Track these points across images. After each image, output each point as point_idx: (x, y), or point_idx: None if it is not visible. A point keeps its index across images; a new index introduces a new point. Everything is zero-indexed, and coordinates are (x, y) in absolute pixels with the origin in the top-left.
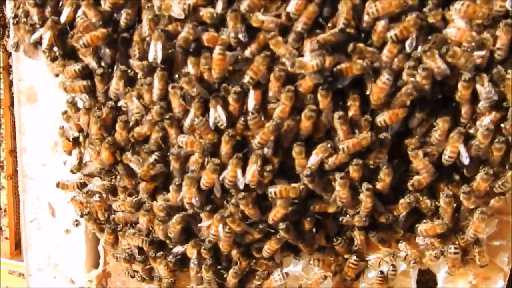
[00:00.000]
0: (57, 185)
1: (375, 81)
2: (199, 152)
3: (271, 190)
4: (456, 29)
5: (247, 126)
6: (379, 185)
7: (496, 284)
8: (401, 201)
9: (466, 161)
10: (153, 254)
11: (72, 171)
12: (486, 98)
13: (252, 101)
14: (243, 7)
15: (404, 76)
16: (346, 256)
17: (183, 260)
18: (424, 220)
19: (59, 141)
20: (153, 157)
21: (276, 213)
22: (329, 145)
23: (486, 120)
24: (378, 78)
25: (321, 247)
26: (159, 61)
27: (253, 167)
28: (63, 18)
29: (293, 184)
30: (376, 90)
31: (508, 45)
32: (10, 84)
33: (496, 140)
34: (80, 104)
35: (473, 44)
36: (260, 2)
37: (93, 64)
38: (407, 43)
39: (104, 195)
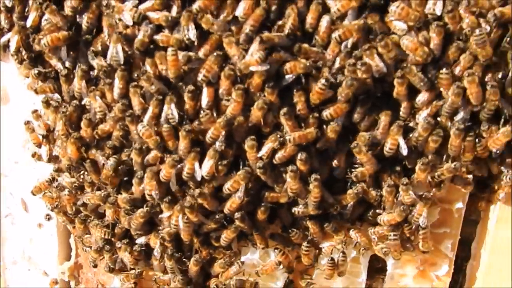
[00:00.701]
0: (32, 193)
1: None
2: (154, 148)
3: (226, 187)
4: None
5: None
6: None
7: (441, 269)
8: (349, 191)
9: (404, 152)
10: (118, 244)
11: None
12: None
13: (205, 98)
14: (195, 7)
15: (346, 73)
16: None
17: (148, 251)
18: (387, 212)
19: (30, 139)
20: (111, 160)
21: (231, 204)
22: (278, 136)
23: (423, 114)
24: (316, 82)
25: (273, 236)
26: (121, 62)
27: (210, 162)
28: (29, 23)
29: (239, 172)
30: (315, 92)
31: (441, 44)
32: None
33: (434, 133)
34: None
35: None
36: (211, 3)
37: (58, 65)
38: (345, 43)
39: (73, 191)
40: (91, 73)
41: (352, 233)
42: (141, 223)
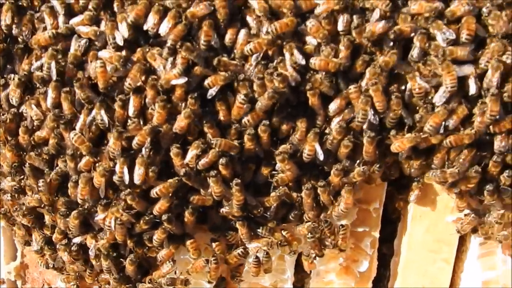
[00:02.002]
0: None
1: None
2: (86, 153)
3: (153, 191)
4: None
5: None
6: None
7: (362, 265)
8: (272, 194)
9: (321, 157)
10: (58, 245)
11: None
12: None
13: (131, 107)
14: (130, 19)
15: (266, 82)
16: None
17: (86, 251)
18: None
19: None
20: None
21: (160, 206)
22: (201, 142)
23: (336, 120)
24: (236, 97)
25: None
26: (54, 78)
27: (140, 168)
28: None
29: (169, 180)
30: (235, 107)
31: (349, 56)
32: None
33: (346, 138)
34: None
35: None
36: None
37: None
38: (255, 56)
39: (14, 195)
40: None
41: (279, 234)
42: (78, 225)
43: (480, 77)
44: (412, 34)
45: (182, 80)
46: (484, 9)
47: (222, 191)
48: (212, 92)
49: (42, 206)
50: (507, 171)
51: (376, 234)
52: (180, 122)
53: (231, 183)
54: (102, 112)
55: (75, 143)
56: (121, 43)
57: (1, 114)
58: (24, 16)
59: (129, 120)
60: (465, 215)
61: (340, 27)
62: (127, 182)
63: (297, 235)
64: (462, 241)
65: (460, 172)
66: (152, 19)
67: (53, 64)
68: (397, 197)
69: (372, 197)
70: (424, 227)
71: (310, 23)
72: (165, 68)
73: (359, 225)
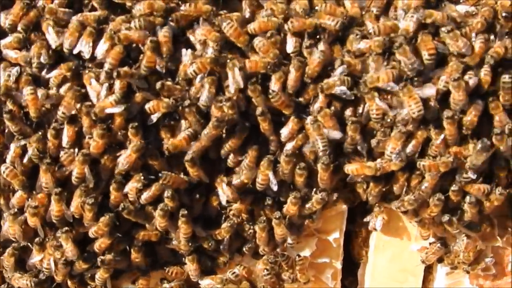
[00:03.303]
0: None
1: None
2: (19, 188)
3: (91, 231)
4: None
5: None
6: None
7: None
8: (223, 225)
9: (274, 187)
10: None
11: None
12: None
13: (65, 137)
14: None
15: (213, 109)
16: None
17: None
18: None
19: None
20: None
21: (100, 244)
22: (142, 176)
23: (288, 147)
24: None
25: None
26: None
27: (76, 201)
28: None
29: (103, 218)
30: (181, 139)
31: (298, 79)
32: None
33: (297, 167)
34: None
35: None
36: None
37: None
38: (198, 77)
39: None
40: None
41: (237, 269)
42: (13, 264)
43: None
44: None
45: (118, 109)
46: (443, 28)
47: (167, 224)
48: (153, 118)
49: None
50: (468, 197)
51: (338, 265)
52: (128, 157)
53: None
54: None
55: (6, 177)
56: (45, 61)
57: None
58: None
59: (62, 151)
60: (430, 243)
61: (289, 49)
62: (70, 220)
63: (254, 270)
64: (429, 270)
65: (417, 199)
66: (85, 42)
67: None
68: (359, 223)
69: (332, 227)
70: (388, 257)
71: (260, 42)
72: (100, 95)
73: (319, 256)
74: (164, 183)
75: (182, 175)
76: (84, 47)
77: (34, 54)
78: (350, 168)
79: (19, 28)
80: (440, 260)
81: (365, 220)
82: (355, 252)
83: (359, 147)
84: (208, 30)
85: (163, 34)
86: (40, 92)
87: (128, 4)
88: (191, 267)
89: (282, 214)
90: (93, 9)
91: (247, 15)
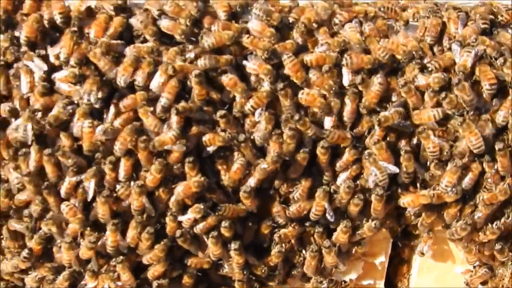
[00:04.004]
0: None
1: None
2: (78, 226)
3: (146, 257)
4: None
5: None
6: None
7: None
8: (273, 251)
9: (331, 218)
10: None
11: None
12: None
13: (122, 171)
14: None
15: (271, 143)
16: None
17: None
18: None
19: None
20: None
21: (154, 271)
22: (202, 207)
23: (342, 177)
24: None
25: None
26: (29, 142)
27: (133, 232)
28: None
29: (158, 245)
30: (235, 171)
31: (355, 111)
32: None
33: (355, 197)
34: None
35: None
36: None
37: None
38: (257, 112)
39: None
40: None
41: None
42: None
43: None
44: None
45: (179, 148)
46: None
47: (220, 252)
48: (209, 151)
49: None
50: None
51: (382, 286)
52: (186, 190)
53: (229, 245)
54: (92, 183)
55: (66, 215)
56: (94, 101)
57: None
58: None
59: (118, 185)
60: (475, 267)
61: (346, 82)
62: (124, 250)
63: None
64: None
65: (469, 226)
66: (141, 71)
67: (29, 126)
68: (404, 243)
69: (377, 250)
70: (432, 279)
71: (314, 75)
72: (158, 128)
73: (364, 278)
74: (224, 215)
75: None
76: (139, 77)
77: (86, 90)
78: (406, 200)
79: (71, 63)
80: (484, 283)
81: (414, 244)
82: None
83: (419, 175)
84: (260, 64)
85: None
86: (99, 126)
87: (177, 37)
88: None
89: (331, 242)
90: (144, 40)
91: (299, 43)
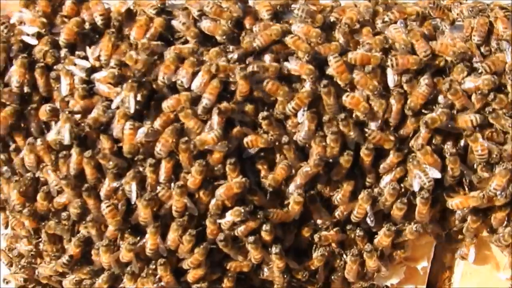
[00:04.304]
0: None
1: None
2: (114, 228)
3: (186, 262)
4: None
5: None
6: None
7: None
8: (315, 255)
9: (371, 223)
10: None
11: None
12: None
13: (162, 173)
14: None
15: (313, 146)
16: None
17: None
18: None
19: None
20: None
21: (194, 274)
22: (242, 211)
23: (386, 180)
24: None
25: None
26: (67, 142)
27: (174, 234)
28: None
29: (198, 249)
30: (280, 170)
31: (400, 112)
32: None
33: (399, 201)
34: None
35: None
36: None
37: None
38: (299, 112)
39: (30, 260)
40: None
41: None
42: None
43: None
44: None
45: (221, 149)
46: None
47: (261, 256)
48: (250, 152)
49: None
50: None
51: None
52: (227, 192)
53: (269, 249)
54: (134, 185)
55: (105, 216)
56: (132, 109)
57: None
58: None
59: (158, 187)
60: None
61: (391, 83)
62: (164, 254)
63: None
64: None
65: None
66: (185, 71)
67: (67, 126)
68: (446, 248)
69: (420, 254)
70: (474, 284)
71: (357, 75)
72: (200, 130)
73: (405, 283)
74: (272, 219)
75: (284, 210)
76: (183, 77)
77: (125, 96)
78: (454, 202)
79: (112, 64)
80: None
81: (456, 248)
82: (436, 277)
83: (466, 177)
84: (301, 65)
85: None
86: (140, 129)
87: (218, 38)
88: None
89: (373, 246)
90: (185, 42)
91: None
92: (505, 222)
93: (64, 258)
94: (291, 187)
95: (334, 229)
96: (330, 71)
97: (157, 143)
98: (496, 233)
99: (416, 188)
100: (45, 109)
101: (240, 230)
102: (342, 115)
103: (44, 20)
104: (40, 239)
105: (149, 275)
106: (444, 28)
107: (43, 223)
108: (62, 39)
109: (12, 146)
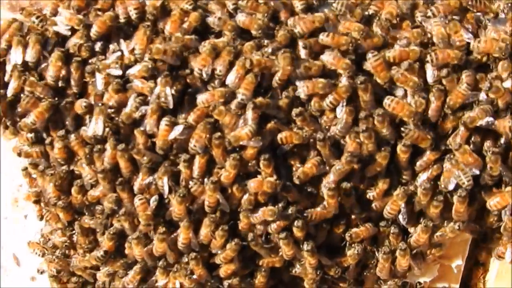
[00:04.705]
0: (28, 244)
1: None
2: (144, 222)
3: (218, 258)
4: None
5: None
6: None
7: None
8: (349, 252)
9: (403, 221)
10: None
11: None
12: None
13: (196, 169)
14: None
15: (347, 138)
16: None
17: None
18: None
19: (19, 198)
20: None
21: (226, 269)
22: (276, 210)
23: (422, 177)
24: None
25: None
26: (100, 133)
27: (206, 230)
28: (10, 92)
29: (229, 244)
30: (310, 166)
31: (440, 109)
32: None
33: (434, 198)
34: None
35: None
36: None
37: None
38: (338, 108)
39: (64, 251)
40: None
41: None
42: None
43: None
44: None
45: (256, 144)
46: None
47: (293, 252)
48: (284, 149)
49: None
50: None
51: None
52: (260, 186)
53: (301, 245)
54: (165, 180)
55: (137, 209)
56: (171, 105)
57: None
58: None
59: (191, 182)
60: None
61: (431, 79)
62: (196, 248)
63: None
64: None
65: None
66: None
67: (100, 119)
68: (481, 246)
69: (454, 252)
70: (510, 283)
71: (397, 72)
72: (235, 125)
73: (439, 281)
74: (310, 220)
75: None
76: (220, 66)
77: (160, 91)
78: (493, 202)
79: (146, 58)
80: None
81: (492, 247)
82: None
83: (504, 178)
84: (338, 59)
85: None
86: (176, 127)
87: (254, 32)
88: None
89: (409, 244)
90: (218, 36)
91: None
92: None
93: (99, 253)
94: (324, 184)
95: (365, 224)
96: (367, 66)
97: (191, 138)
98: None
99: (451, 187)
100: (80, 104)
101: (273, 226)
102: (380, 111)
103: (81, 17)
104: (73, 231)
105: (181, 269)
106: (487, 22)
107: (78, 217)
108: (94, 31)
109: (48, 139)
